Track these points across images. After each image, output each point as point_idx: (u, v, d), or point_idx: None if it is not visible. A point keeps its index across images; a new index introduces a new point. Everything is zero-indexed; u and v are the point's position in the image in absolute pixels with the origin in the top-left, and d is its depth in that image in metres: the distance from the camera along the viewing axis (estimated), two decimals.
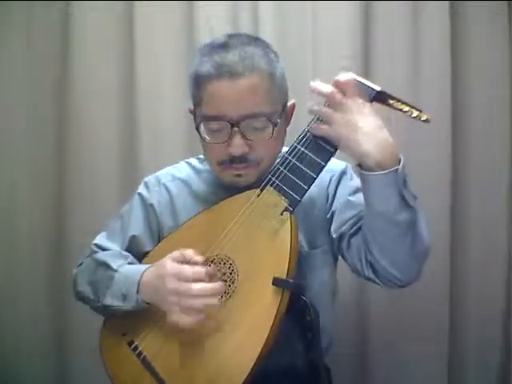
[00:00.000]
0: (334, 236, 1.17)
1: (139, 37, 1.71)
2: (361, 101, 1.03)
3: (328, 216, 1.21)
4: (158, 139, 1.74)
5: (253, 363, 1.00)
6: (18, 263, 1.77)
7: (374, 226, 1.06)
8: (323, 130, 1.05)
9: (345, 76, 1.04)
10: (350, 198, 1.18)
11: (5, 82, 1.75)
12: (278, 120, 1.12)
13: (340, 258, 1.23)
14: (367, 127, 1.02)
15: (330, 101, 1.04)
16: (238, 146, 1.10)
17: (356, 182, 1.21)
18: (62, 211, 1.77)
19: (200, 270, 1.03)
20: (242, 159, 1.12)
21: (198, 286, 1.01)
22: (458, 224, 1.68)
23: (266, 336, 1.00)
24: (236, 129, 1.09)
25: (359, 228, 1.12)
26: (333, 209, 1.20)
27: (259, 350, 1.00)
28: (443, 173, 1.67)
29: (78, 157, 1.75)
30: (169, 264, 1.06)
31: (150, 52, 1.72)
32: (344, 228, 1.15)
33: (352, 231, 1.14)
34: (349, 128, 1.02)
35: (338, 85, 1.04)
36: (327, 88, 1.04)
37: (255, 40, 1.15)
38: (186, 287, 1.02)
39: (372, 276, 1.11)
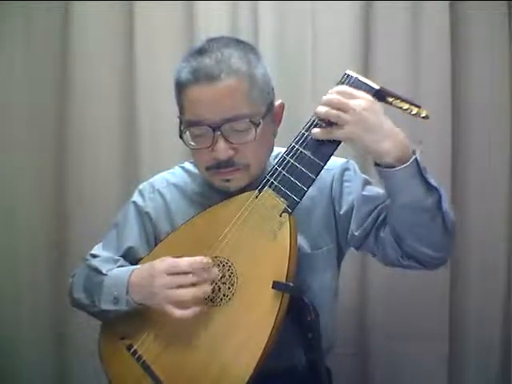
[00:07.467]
0: (356, 233, 1.16)
1: (139, 37, 1.71)
2: (366, 98, 1.02)
3: (341, 212, 1.19)
4: (158, 139, 1.73)
5: (254, 366, 1.00)
6: (19, 263, 1.77)
7: (404, 218, 1.06)
8: (332, 133, 1.02)
9: (336, 88, 1.03)
10: (364, 193, 1.18)
11: (5, 82, 1.74)
12: (261, 121, 1.10)
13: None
14: (380, 124, 1.01)
15: (332, 105, 1.01)
16: (221, 150, 1.08)
17: (361, 175, 1.23)
18: (62, 211, 1.77)
19: (191, 260, 1.04)
20: (228, 163, 1.10)
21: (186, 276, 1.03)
22: (458, 224, 1.67)
23: (266, 339, 1.00)
24: (218, 133, 1.07)
25: (383, 221, 1.12)
26: (344, 206, 1.19)
27: (260, 353, 1.00)
28: (443, 173, 1.66)
29: (78, 157, 1.75)
30: (158, 263, 1.07)
31: (149, 52, 1.72)
32: (367, 224, 1.15)
33: (377, 225, 1.14)
34: (362, 128, 1.00)
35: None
36: (323, 103, 1.03)
37: (235, 42, 1.13)
38: (174, 279, 1.04)
39: (412, 263, 1.11)
